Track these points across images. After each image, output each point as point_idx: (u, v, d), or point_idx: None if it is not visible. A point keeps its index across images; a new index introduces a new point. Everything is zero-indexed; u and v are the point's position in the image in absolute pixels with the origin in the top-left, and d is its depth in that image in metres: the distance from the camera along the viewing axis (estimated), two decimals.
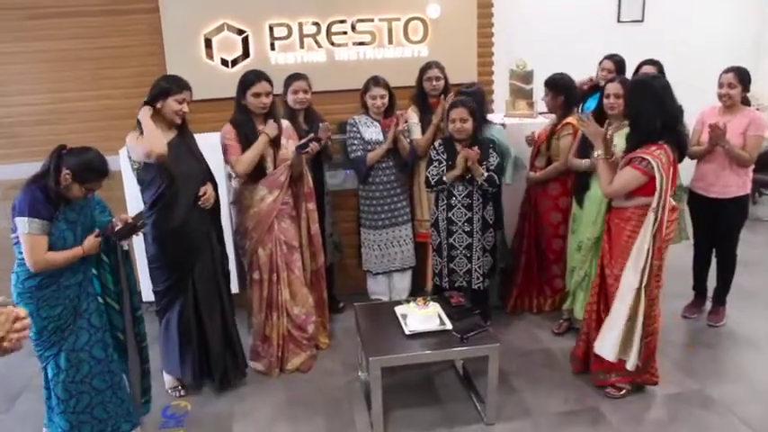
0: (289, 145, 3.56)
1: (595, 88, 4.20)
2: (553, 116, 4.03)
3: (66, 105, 4.18)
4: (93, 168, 2.67)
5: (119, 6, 4.27)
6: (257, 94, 3.39)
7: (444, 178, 3.68)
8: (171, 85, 3.12)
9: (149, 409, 3.21)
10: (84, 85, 4.31)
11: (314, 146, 3.50)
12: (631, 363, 3.14)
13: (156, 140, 3.01)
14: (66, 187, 2.63)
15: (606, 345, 3.18)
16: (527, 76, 4.52)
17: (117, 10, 4.27)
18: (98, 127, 3.98)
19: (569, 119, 3.86)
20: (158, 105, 3.11)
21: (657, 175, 2.95)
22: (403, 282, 4.30)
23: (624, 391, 3.34)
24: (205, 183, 3.28)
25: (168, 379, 3.54)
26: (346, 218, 4.46)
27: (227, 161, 3.52)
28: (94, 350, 2.80)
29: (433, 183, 3.73)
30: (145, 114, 3.06)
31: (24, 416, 3.39)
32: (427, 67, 4.08)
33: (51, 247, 2.64)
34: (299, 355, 3.72)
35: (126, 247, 2.90)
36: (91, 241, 2.73)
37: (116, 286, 2.91)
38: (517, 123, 4.45)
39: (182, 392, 3.51)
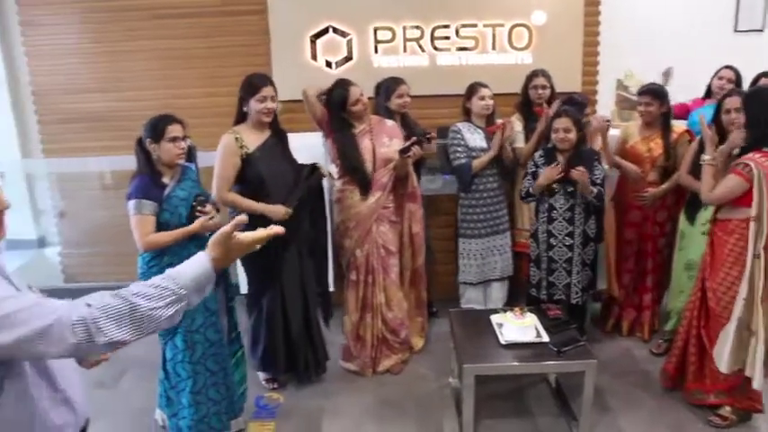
0: (392, 144, 3.58)
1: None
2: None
3: (177, 101, 4.36)
4: (157, 121, 2.84)
5: (229, 7, 4.44)
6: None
7: (531, 189, 3.61)
8: (249, 88, 3.23)
9: (245, 398, 3.30)
10: (195, 82, 4.51)
11: (417, 150, 3.50)
12: (756, 381, 2.96)
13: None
14: (157, 155, 2.81)
15: (720, 355, 3.03)
16: (634, 87, 4.37)
17: (228, 11, 4.45)
18: (206, 123, 4.13)
19: (679, 128, 3.73)
20: (245, 109, 3.25)
21: (755, 182, 2.82)
22: (500, 291, 4.23)
23: (729, 420, 3.16)
24: (296, 183, 3.35)
25: (261, 373, 3.63)
26: (441, 223, 4.44)
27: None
28: (208, 333, 2.92)
29: (522, 194, 3.66)
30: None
31: (128, 392, 3.59)
32: (534, 75, 4.02)
33: (165, 227, 2.79)
34: (390, 358, 3.74)
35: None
36: (200, 222, 2.83)
37: None
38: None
39: (275, 385, 3.60)
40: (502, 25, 4.40)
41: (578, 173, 3.45)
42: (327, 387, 3.59)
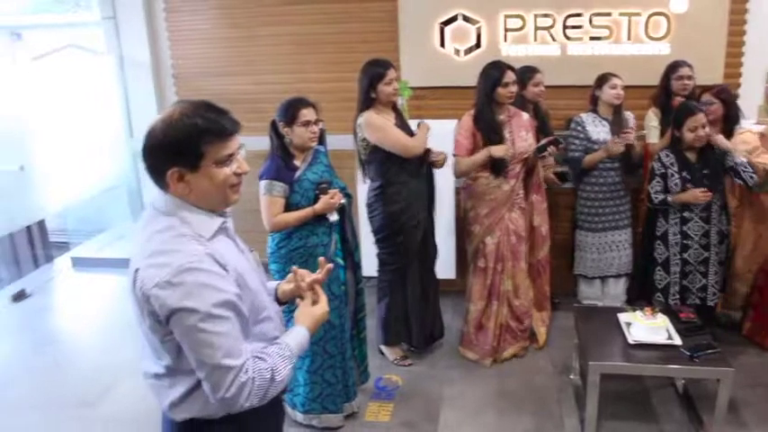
0: (528, 138, 3.54)
1: None
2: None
3: (306, 85, 4.48)
4: (290, 104, 2.91)
5: None
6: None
7: (669, 199, 3.43)
8: (375, 73, 3.31)
9: (367, 378, 3.39)
10: (324, 67, 4.64)
11: (552, 149, 3.47)
12: None
13: (422, 145, 3.36)
14: (290, 138, 2.89)
15: None
16: None
17: None
18: (334, 107, 4.23)
19: None
20: (373, 95, 3.31)
21: None
22: (617, 288, 4.11)
23: None
24: (422, 162, 3.43)
25: (389, 351, 3.72)
26: (561, 217, 4.35)
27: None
28: (331, 316, 2.98)
29: (655, 202, 3.48)
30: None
31: None
32: (677, 65, 3.83)
33: (295, 210, 2.89)
34: (513, 346, 3.75)
35: (335, 217, 3.00)
36: (324, 201, 2.90)
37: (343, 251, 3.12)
38: None
39: (405, 362, 3.69)
40: (639, 14, 4.21)
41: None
42: (447, 374, 3.62)
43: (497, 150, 3.41)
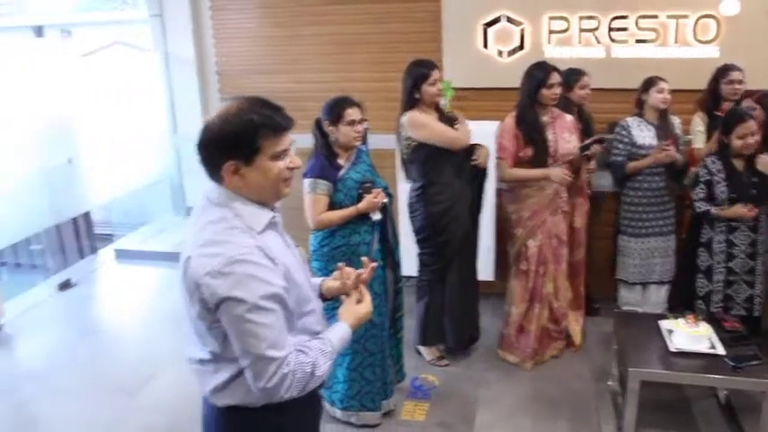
0: (572, 140, 3.52)
1: None
2: None
3: (349, 84, 4.50)
4: (335, 103, 2.94)
5: None
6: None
7: (713, 212, 3.37)
8: (420, 73, 3.32)
9: (403, 377, 3.41)
10: (366, 66, 4.67)
11: (596, 148, 3.44)
12: None
13: (467, 137, 3.39)
14: (335, 137, 2.92)
15: None
16: None
17: None
18: (375, 107, 4.25)
19: None
20: (417, 96, 3.33)
21: None
22: (659, 295, 4.04)
23: None
24: (465, 158, 3.44)
25: (426, 351, 3.73)
26: (602, 220, 4.30)
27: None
28: (373, 314, 3.01)
29: (700, 212, 3.42)
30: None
31: None
32: (728, 68, 3.74)
33: (340, 207, 2.91)
34: (550, 348, 3.76)
35: (378, 216, 3.03)
36: (368, 200, 2.92)
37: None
38: None
39: (441, 362, 3.70)
40: (686, 16, 4.13)
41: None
42: (483, 375, 3.62)
43: (556, 176, 3.40)
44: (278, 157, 1.57)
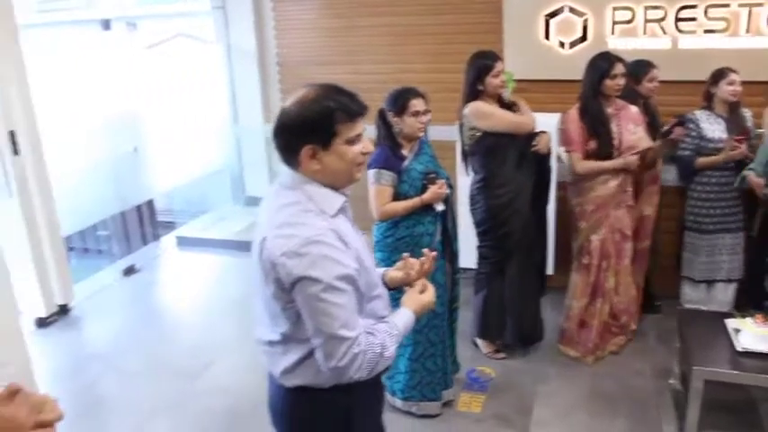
0: (637, 131, 3.44)
1: None
2: None
3: (407, 75, 4.50)
4: (399, 94, 2.94)
5: None
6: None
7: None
8: (483, 65, 3.29)
9: (458, 368, 3.42)
10: (425, 58, 4.66)
11: (679, 131, 3.42)
12: None
13: (532, 121, 3.40)
14: (399, 128, 2.93)
15: None
16: None
17: None
18: (435, 98, 4.24)
19: None
20: (480, 87, 3.30)
21: None
22: (726, 293, 3.92)
23: None
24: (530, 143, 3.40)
25: (483, 343, 3.73)
26: (668, 215, 4.18)
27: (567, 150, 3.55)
28: (435, 304, 3.03)
29: None
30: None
31: None
32: None
33: (405, 197, 2.93)
34: (610, 343, 3.71)
35: (442, 207, 3.03)
36: (432, 191, 2.93)
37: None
38: None
39: (497, 356, 3.68)
40: (760, 5, 3.96)
41: None
42: (542, 369, 3.59)
43: (632, 162, 3.37)
44: (353, 141, 1.61)
